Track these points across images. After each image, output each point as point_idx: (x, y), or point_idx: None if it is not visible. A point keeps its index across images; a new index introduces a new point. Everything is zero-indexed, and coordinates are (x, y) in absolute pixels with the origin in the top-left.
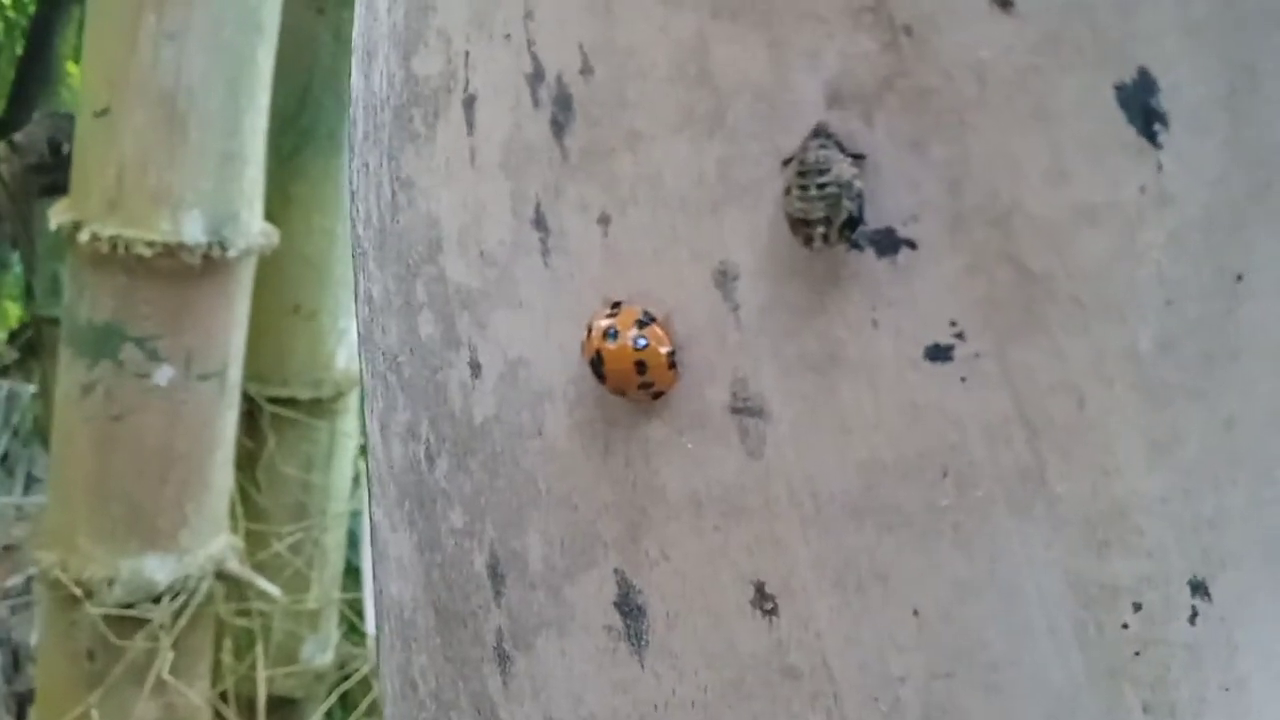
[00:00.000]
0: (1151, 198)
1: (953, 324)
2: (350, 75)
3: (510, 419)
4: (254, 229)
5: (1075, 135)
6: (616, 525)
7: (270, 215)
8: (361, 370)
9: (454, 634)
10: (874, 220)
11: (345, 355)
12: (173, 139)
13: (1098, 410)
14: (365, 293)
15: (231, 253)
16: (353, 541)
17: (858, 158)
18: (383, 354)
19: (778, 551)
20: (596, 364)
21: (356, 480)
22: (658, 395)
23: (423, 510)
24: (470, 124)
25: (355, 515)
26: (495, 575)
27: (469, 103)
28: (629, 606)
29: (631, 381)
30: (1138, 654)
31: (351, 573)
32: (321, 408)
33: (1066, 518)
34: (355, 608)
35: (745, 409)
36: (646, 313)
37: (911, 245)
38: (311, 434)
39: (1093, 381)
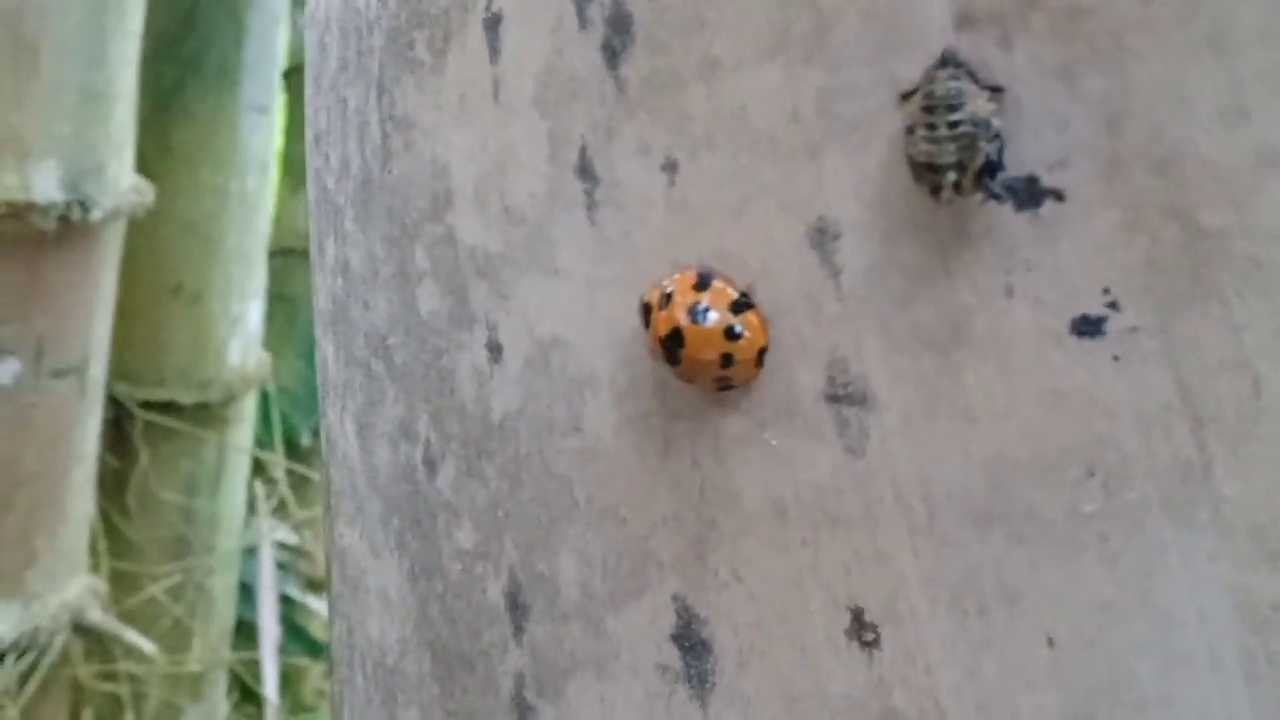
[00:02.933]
0: None
1: (1105, 291)
2: None
3: (540, 413)
4: (123, 185)
5: (1259, 65)
6: (677, 541)
7: (144, 168)
8: (325, 359)
9: (458, 681)
10: (1013, 166)
11: (239, 348)
12: (19, 70)
13: (1276, 395)
14: (338, 261)
15: (95, 215)
16: (246, 589)
17: (995, 90)
18: (364, 336)
19: (881, 568)
20: (672, 343)
21: (251, 508)
22: (726, 388)
23: (418, 528)
24: (494, 50)
25: (249, 554)
26: (515, 606)
27: (493, 23)
28: (691, 640)
29: (710, 374)
30: None
31: (244, 627)
32: (208, 415)
33: (1235, 524)
34: (250, 669)
35: (845, 396)
36: (745, 295)
37: (1058, 196)
38: (195, 449)
39: (1272, 360)
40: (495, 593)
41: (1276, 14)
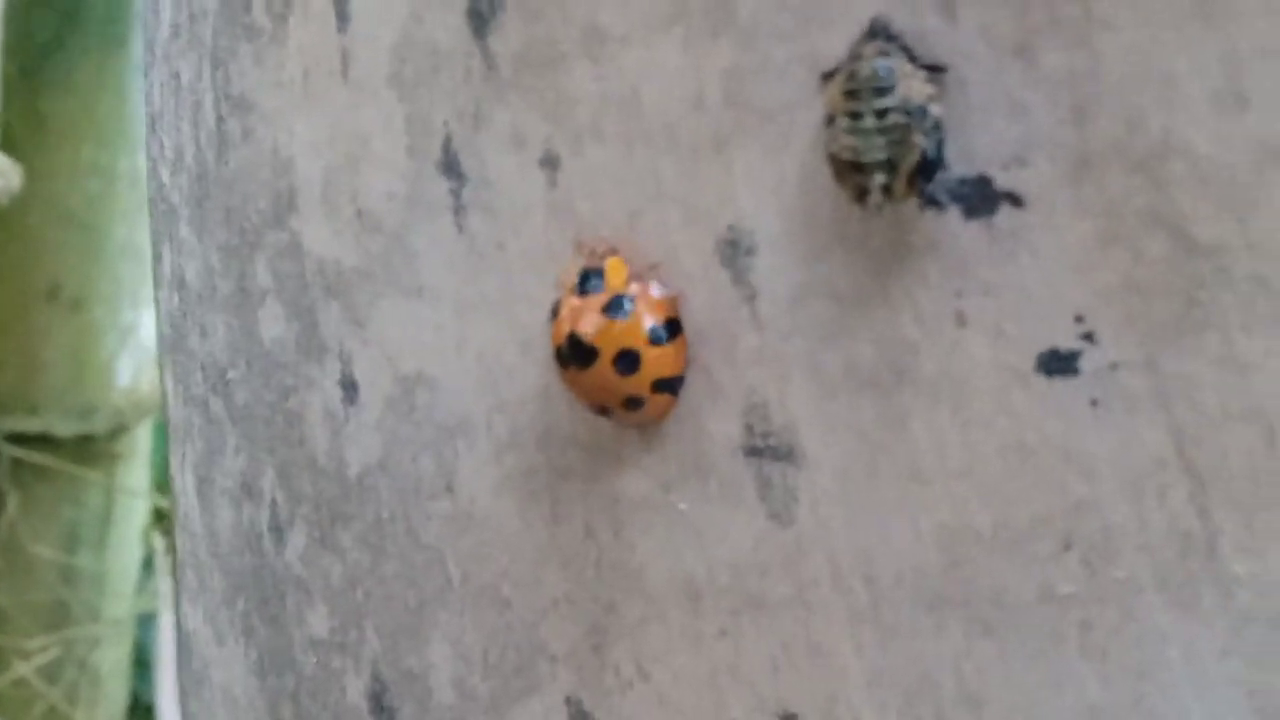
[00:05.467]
0: None
1: (1079, 319)
2: None
3: (404, 468)
4: None
5: (1261, 39)
6: (570, 630)
7: (10, 144)
8: (165, 392)
9: None
10: (960, 164)
11: (131, 366)
12: None
13: None
14: (174, 273)
15: None
16: (141, 662)
17: (935, 70)
18: (202, 368)
19: (817, 665)
20: (574, 352)
21: (148, 565)
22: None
23: (266, 610)
24: (342, 15)
25: (146, 621)
26: (380, 709)
27: None
28: None
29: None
30: None
31: (140, 711)
32: (94, 451)
33: (1250, 612)
34: None
35: (767, 449)
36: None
37: (1016, 201)
38: (77, 493)
39: None
40: (355, 693)
41: None
